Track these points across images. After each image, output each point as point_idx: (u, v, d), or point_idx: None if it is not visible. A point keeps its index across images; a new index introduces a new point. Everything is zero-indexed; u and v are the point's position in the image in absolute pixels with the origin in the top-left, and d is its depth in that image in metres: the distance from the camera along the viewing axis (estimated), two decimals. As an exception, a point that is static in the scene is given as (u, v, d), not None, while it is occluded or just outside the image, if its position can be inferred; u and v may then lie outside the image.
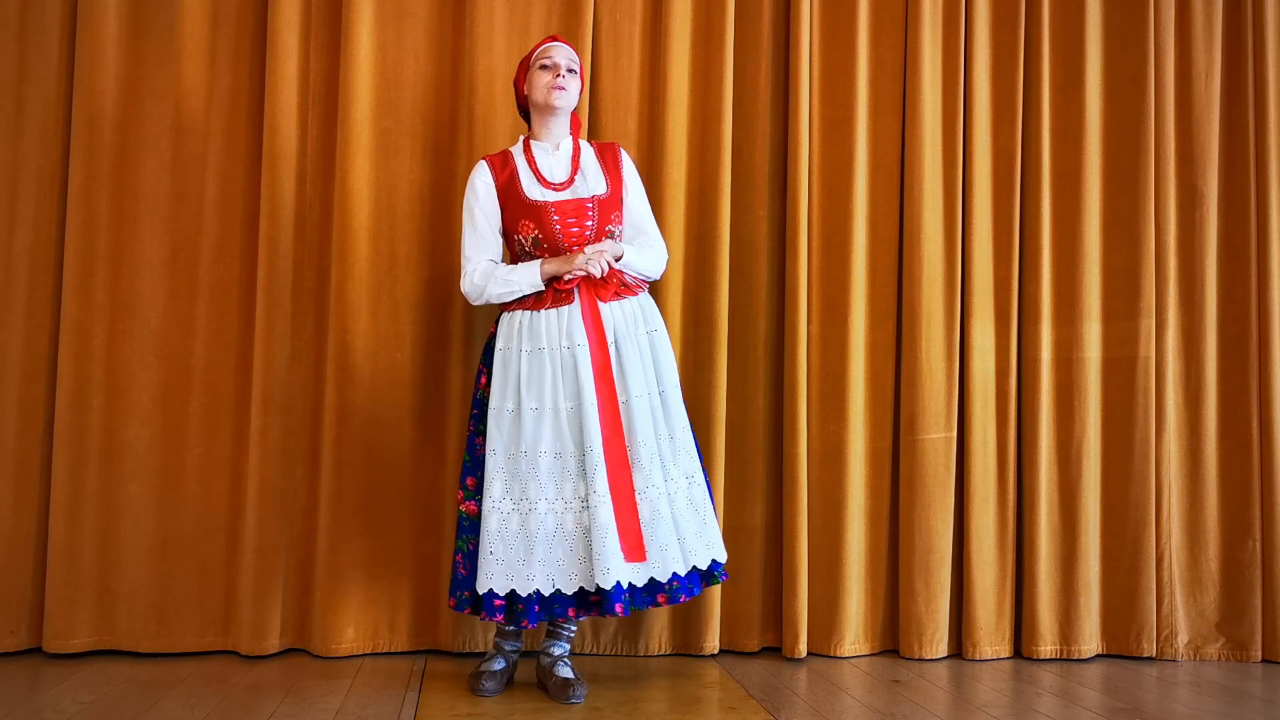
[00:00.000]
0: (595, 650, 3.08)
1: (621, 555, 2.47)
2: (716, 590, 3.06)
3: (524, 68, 2.75)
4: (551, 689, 2.61)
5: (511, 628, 2.72)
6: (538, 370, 2.56)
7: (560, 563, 2.51)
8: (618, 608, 2.46)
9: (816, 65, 3.23)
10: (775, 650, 3.14)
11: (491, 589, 2.52)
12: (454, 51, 3.12)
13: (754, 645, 3.13)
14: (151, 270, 2.99)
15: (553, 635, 2.72)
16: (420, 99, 3.08)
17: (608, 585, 2.45)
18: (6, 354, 2.93)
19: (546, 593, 2.50)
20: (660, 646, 3.09)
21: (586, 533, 2.50)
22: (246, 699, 2.54)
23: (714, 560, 2.63)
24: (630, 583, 2.50)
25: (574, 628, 2.74)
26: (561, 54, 2.71)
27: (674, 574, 2.53)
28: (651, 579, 2.52)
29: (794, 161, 3.15)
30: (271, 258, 2.96)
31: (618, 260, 2.64)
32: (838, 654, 3.11)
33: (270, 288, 2.96)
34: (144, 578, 2.95)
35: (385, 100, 3.05)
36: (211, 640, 2.98)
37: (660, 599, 2.55)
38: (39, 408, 2.95)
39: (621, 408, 2.56)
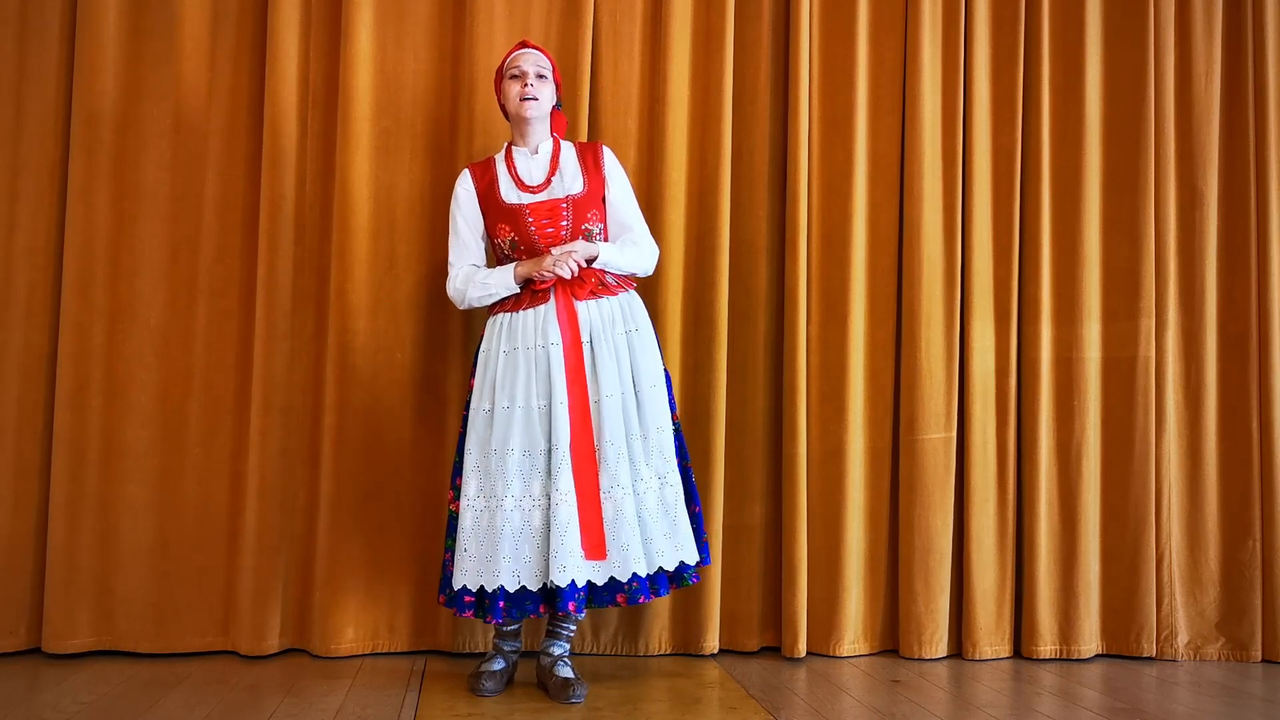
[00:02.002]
0: (595, 650, 3.08)
1: (581, 554, 2.48)
2: (716, 590, 3.06)
3: (498, 77, 2.78)
4: (551, 689, 2.62)
5: (510, 627, 2.74)
6: (512, 369, 2.59)
7: (526, 560, 2.51)
8: (570, 606, 2.47)
9: (816, 65, 3.23)
10: (775, 650, 3.14)
11: (465, 585, 2.54)
12: (454, 51, 3.12)
13: (753, 645, 3.13)
14: (151, 270, 2.99)
15: (552, 635, 2.72)
16: (420, 99, 3.08)
17: (563, 583, 2.46)
18: (6, 354, 2.93)
19: (512, 589, 2.51)
20: (660, 646, 3.09)
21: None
22: (246, 699, 2.54)
23: (683, 563, 2.61)
24: (590, 581, 2.51)
25: (573, 627, 2.74)
26: (529, 61, 2.72)
27: (634, 574, 2.52)
28: (612, 578, 2.53)
29: (794, 161, 3.15)
30: (271, 258, 2.96)
31: (592, 260, 2.65)
32: (837, 654, 3.11)
33: (270, 288, 2.96)
34: (144, 578, 2.95)
35: (385, 100, 3.05)
36: (211, 640, 2.98)
37: (619, 599, 2.54)
38: (39, 408, 2.95)
39: (592, 407, 2.57)
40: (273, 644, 2.95)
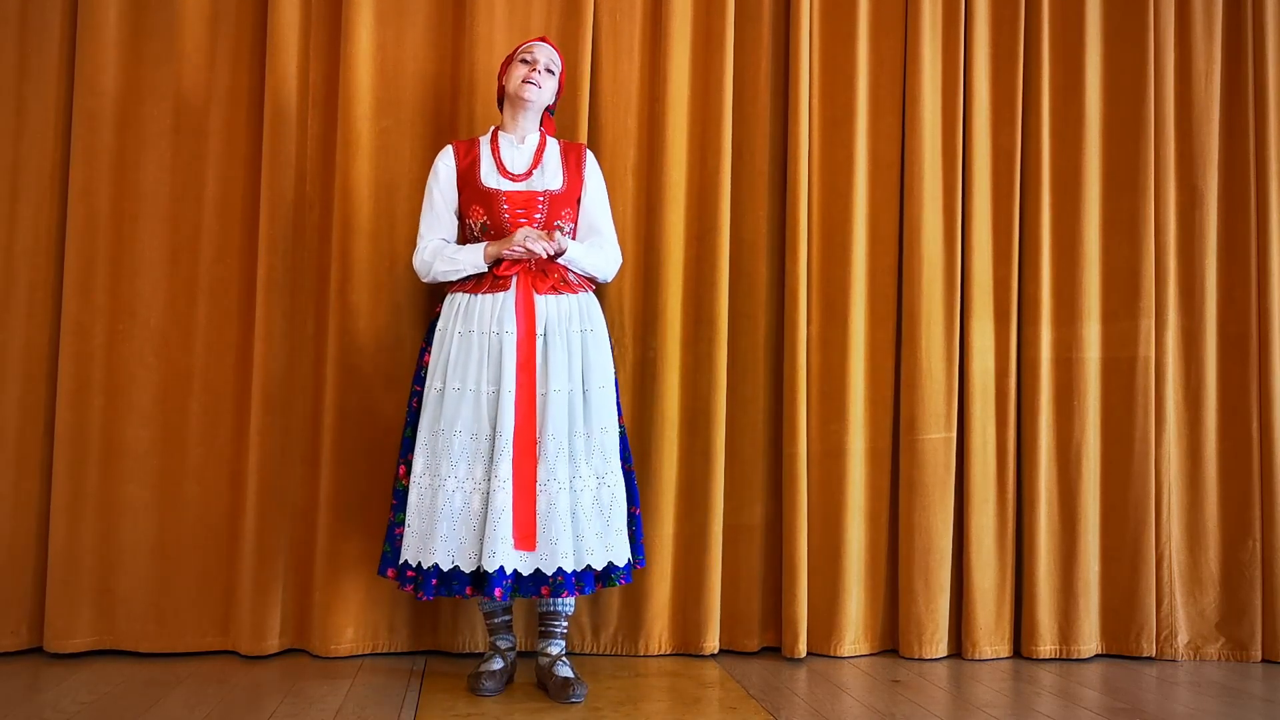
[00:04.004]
0: (595, 650, 3.08)
1: (511, 541, 2.50)
2: (716, 590, 3.06)
3: (508, 60, 2.80)
4: (551, 689, 2.62)
5: (498, 619, 2.75)
6: (465, 352, 2.61)
7: (461, 541, 2.54)
8: (497, 592, 2.48)
9: (816, 65, 3.23)
10: (775, 650, 3.14)
11: (407, 560, 2.58)
12: (454, 51, 3.12)
13: (754, 645, 3.13)
14: (151, 270, 2.99)
15: (546, 635, 2.72)
16: (420, 98, 3.08)
17: (491, 569, 2.48)
18: (7, 354, 2.93)
19: (445, 568, 2.53)
20: (660, 646, 3.09)
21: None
22: (246, 699, 2.54)
23: (611, 563, 2.61)
24: (516, 570, 2.52)
25: (565, 624, 2.73)
26: (544, 53, 2.76)
27: (559, 569, 2.53)
28: (538, 570, 2.54)
29: (794, 161, 3.15)
30: (271, 258, 2.96)
31: (559, 255, 2.66)
32: (837, 654, 3.11)
33: (270, 288, 2.96)
34: (144, 577, 2.95)
35: (385, 100, 3.05)
36: (211, 640, 2.98)
37: (544, 591, 2.54)
38: (39, 408, 2.95)
39: (538, 399, 2.58)
40: (273, 644, 2.95)
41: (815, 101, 3.22)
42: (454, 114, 3.09)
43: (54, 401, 2.93)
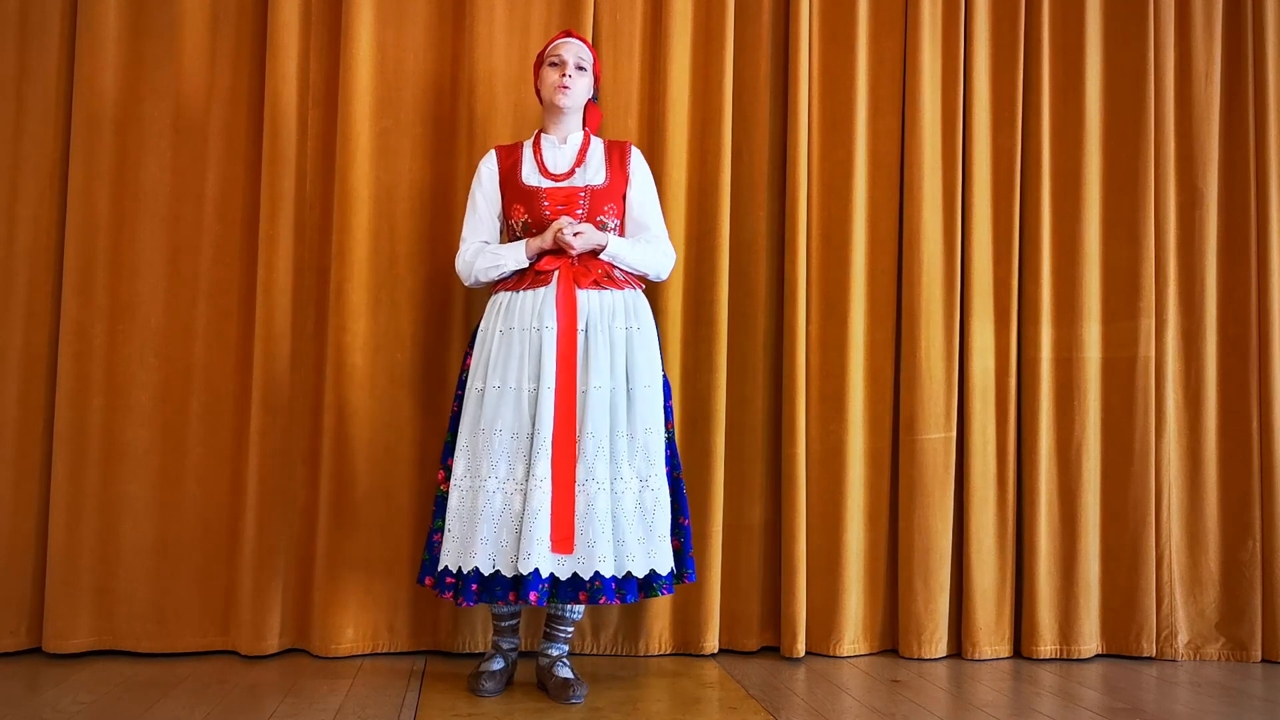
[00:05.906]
0: (595, 650, 3.08)
1: (548, 543, 2.45)
2: (716, 590, 3.07)
3: (538, 63, 2.78)
4: (551, 689, 2.62)
5: (507, 623, 2.74)
6: (505, 349, 2.58)
7: (503, 544, 2.48)
8: (532, 596, 2.42)
9: (816, 65, 3.23)
10: (774, 650, 3.14)
11: (447, 566, 2.53)
12: (454, 51, 3.12)
13: (753, 645, 3.13)
14: (151, 270, 2.99)
15: (549, 637, 2.72)
16: (420, 98, 3.08)
17: (525, 571, 2.42)
18: (6, 354, 2.93)
19: (486, 572, 2.47)
20: (660, 646, 3.09)
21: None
22: (246, 699, 2.54)
23: (654, 571, 2.55)
24: (553, 574, 2.46)
25: (570, 629, 2.73)
26: (570, 51, 2.73)
27: (597, 573, 2.46)
28: (575, 574, 2.48)
29: (793, 161, 3.15)
30: (271, 258, 2.96)
31: (600, 250, 2.64)
32: (837, 654, 3.11)
33: (270, 288, 2.96)
34: (144, 578, 2.95)
35: (385, 100, 3.05)
36: (211, 640, 2.98)
37: (581, 596, 2.48)
38: (39, 408, 2.95)
39: (579, 396, 2.54)
40: (273, 644, 2.95)
41: (815, 101, 3.22)
42: (454, 114, 3.10)
43: (54, 401, 2.93)
